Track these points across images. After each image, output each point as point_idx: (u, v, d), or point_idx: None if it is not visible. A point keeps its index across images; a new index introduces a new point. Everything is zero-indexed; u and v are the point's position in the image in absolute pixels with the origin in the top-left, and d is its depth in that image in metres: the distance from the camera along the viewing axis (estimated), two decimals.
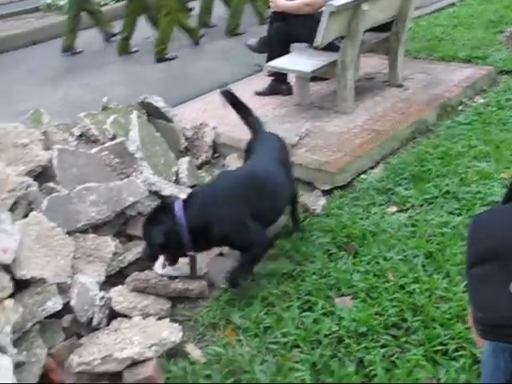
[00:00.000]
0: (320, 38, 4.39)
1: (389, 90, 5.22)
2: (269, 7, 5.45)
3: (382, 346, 2.55)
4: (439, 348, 2.49)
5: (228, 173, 3.54)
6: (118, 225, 3.39)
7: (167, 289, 2.99)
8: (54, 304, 2.69)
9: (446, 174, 3.84)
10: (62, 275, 2.81)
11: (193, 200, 2.95)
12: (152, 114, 4.41)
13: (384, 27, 5.02)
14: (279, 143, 3.44)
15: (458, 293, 2.75)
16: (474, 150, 4.09)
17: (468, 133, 4.39)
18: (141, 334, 2.60)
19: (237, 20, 8.49)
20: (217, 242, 3.03)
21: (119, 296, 2.87)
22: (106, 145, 3.73)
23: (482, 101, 5.03)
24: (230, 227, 2.88)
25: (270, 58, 5.02)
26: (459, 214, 3.41)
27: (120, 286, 3.00)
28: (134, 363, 2.50)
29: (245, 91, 5.51)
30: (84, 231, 3.20)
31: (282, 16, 5.01)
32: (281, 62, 4.85)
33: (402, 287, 2.87)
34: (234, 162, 4.23)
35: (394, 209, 3.60)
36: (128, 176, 3.59)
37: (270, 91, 5.35)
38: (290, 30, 4.99)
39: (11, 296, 2.60)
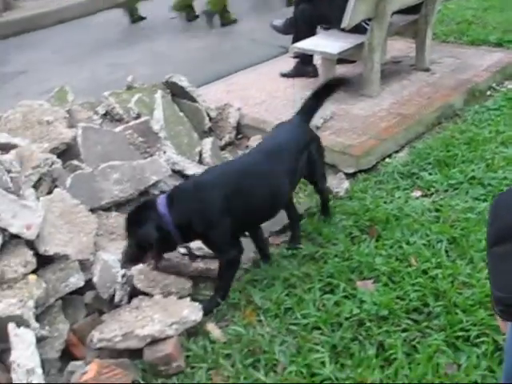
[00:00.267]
0: (347, 20, 4.34)
1: (415, 74, 5.16)
2: None
3: (403, 331, 2.53)
4: (461, 334, 2.47)
5: (214, 168, 3.24)
6: None
7: (188, 268, 3.00)
8: (77, 280, 2.72)
9: (471, 160, 3.79)
10: (85, 252, 2.83)
11: (176, 195, 2.82)
12: (176, 93, 4.41)
13: (412, 9, 4.94)
14: (296, 138, 3.10)
15: (481, 279, 2.72)
16: (502, 136, 4.04)
17: (496, 118, 4.33)
18: (162, 312, 2.61)
19: None
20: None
21: (141, 274, 2.89)
22: (130, 124, 3.75)
23: (511, 86, 4.95)
24: (206, 228, 2.76)
25: (295, 40, 4.98)
26: (484, 200, 3.37)
27: (141, 265, 3.01)
28: (155, 341, 2.51)
29: (270, 72, 5.50)
30: (107, 209, 3.23)
31: None
32: (307, 44, 4.81)
33: (424, 272, 2.84)
34: None
35: (418, 193, 3.57)
36: (151, 155, 3.60)
37: (296, 73, 5.31)
38: (315, 12, 4.95)
39: (34, 271, 2.63)
